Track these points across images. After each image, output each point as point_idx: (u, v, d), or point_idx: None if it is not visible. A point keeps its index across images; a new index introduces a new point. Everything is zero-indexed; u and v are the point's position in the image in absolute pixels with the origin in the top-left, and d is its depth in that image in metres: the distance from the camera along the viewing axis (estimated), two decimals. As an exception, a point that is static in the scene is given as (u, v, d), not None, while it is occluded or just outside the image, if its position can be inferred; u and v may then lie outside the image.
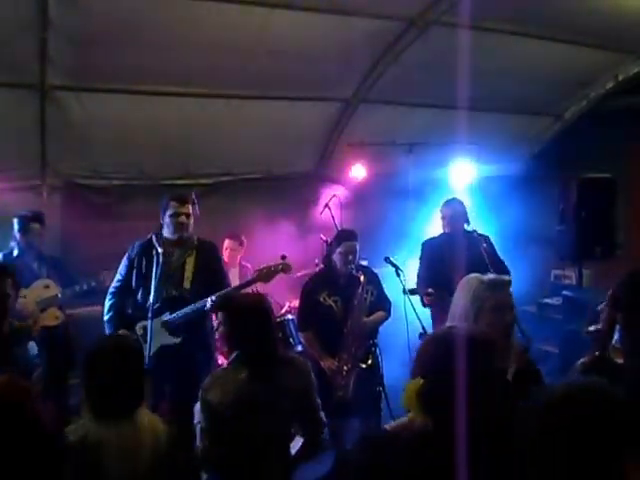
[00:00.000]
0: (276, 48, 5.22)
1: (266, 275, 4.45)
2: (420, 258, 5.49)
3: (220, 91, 5.78)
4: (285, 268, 4.46)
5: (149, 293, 4.20)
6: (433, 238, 5.57)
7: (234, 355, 3.02)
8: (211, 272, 4.42)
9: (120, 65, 5.05)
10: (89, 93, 5.33)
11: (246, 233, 6.16)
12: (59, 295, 4.93)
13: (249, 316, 3.03)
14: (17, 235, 4.97)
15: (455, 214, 5.35)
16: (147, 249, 4.34)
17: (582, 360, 2.82)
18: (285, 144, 6.59)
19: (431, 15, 5.20)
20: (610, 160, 6.82)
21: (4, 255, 4.95)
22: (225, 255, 5.83)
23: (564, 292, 6.54)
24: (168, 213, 4.30)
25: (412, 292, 4.97)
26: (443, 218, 5.43)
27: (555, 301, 7.07)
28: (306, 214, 6.60)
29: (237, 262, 6.04)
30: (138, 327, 4.27)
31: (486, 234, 5.42)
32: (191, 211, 4.36)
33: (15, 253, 4.96)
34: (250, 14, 4.85)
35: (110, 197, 6.06)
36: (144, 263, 4.33)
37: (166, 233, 4.35)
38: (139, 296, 4.32)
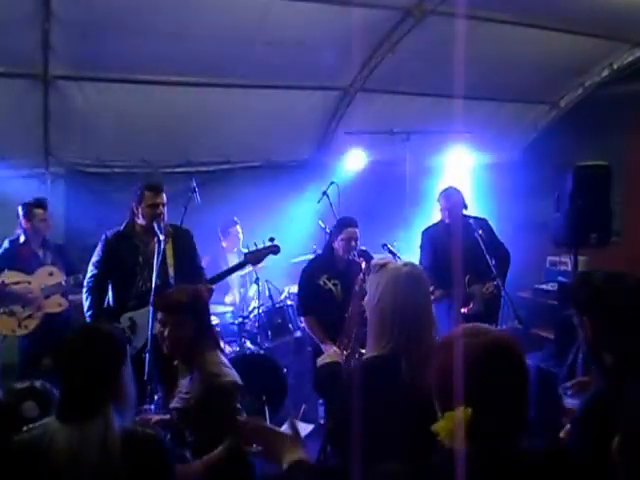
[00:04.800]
0: (275, 37, 5.28)
1: (256, 257, 4.53)
2: (421, 247, 5.52)
3: (220, 80, 5.84)
4: (274, 249, 4.55)
5: (133, 283, 4.20)
6: (432, 226, 5.59)
7: None
8: (189, 259, 4.40)
9: (122, 55, 5.11)
10: (91, 82, 5.40)
11: (245, 220, 6.24)
12: (63, 283, 5.01)
13: None
14: (22, 222, 5.03)
15: (453, 203, 5.36)
16: (124, 239, 4.28)
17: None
18: (284, 132, 6.65)
19: (428, 5, 5.26)
20: (606, 148, 6.86)
21: (10, 242, 5.03)
22: (237, 240, 6.08)
23: (560, 278, 6.59)
24: (144, 204, 4.21)
25: None
26: (441, 207, 5.45)
27: (550, 287, 7.12)
28: (304, 202, 6.66)
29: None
30: (124, 319, 4.15)
31: (483, 217, 5.48)
32: (165, 199, 4.29)
33: (21, 240, 5.03)
34: (250, 4, 4.92)
35: (112, 185, 6.13)
36: (123, 253, 4.25)
37: (140, 222, 4.27)
38: (121, 287, 4.25)
